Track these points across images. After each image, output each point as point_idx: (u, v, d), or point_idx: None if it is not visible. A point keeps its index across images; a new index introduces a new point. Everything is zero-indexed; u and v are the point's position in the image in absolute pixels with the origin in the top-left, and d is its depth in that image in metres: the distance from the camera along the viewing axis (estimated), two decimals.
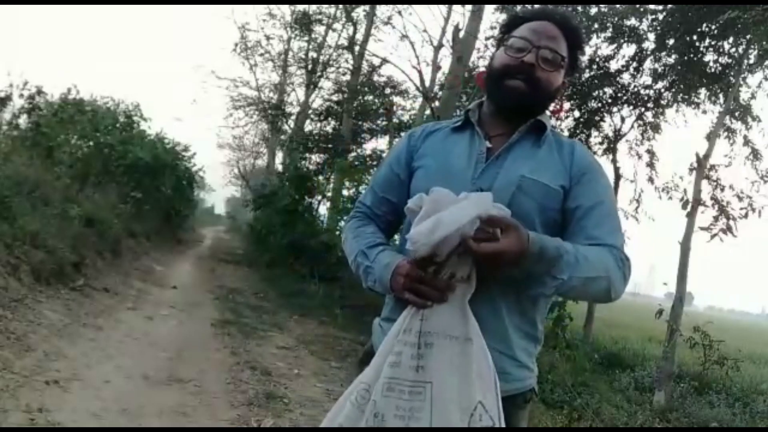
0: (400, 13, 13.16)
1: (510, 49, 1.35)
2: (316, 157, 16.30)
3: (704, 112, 9.44)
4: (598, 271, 1.20)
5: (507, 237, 1.12)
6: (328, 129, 16.69)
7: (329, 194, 14.16)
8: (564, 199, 1.29)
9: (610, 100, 10.32)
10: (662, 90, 9.73)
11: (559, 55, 1.34)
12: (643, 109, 10.24)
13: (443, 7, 12.54)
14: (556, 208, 1.29)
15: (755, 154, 8.66)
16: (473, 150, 1.34)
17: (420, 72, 12.77)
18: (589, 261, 1.19)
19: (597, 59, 10.12)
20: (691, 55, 8.51)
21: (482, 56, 12.74)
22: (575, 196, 1.29)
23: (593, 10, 10.07)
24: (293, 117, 17.26)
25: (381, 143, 16.48)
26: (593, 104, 10.51)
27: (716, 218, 7.45)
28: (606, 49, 9.98)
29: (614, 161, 10.62)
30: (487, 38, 12.30)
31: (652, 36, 9.30)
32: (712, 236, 6.93)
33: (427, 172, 1.35)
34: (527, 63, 1.31)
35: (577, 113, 10.95)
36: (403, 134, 1.54)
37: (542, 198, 1.27)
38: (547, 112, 1.41)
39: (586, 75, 10.36)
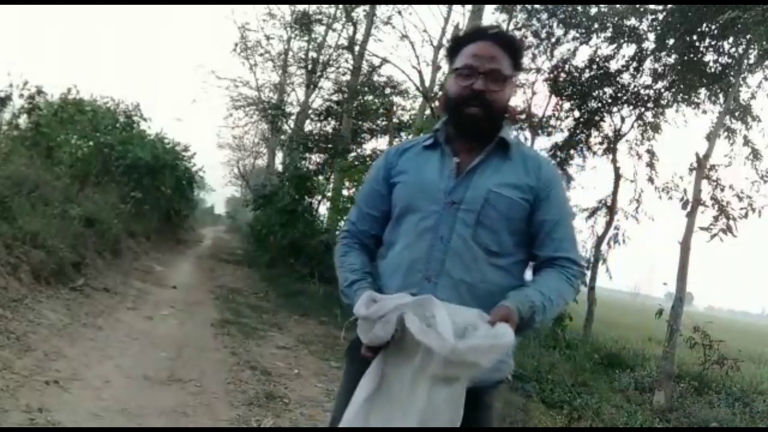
0: (400, 13, 13.17)
1: (459, 77, 1.49)
2: (316, 157, 16.29)
3: (704, 112, 9.45)
4: (559, 305, 1.46)
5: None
6: (328, 129, 16.69)
7: (329, 194, 14.17)
8: (531, 210, 1.47)
9: (610, 100, 10.32)
10: (662, 90, 9.72)
11: (504, 75, 1.48)
12: (643, 109, 10.24)
13: (443, 7, 12.56)
14: (521, 217, 1.47)
15: (755, 154, 8.67)
16: (444, 166, 1.50)
17: (420, 72, 12.78)
18: (553, 302, 1.42)
19: (597, 59, 10.12)
20: (691, 55, 8.51)
21: None
22: (544, 211, 1.48)
23: (593, 10, 10.07)
24: (293, 117, 17.26)
25: (381, 143, 16.48)
26: (593, 104, 10.51)
27: (716, 218, 7.46)
28: (606, 49, 9.98)
29: (614, 161, 10.61)
30: None
31: (652, 36, 9.29)
32: (712, 236, 6.93)
33: (405, 187, 1.52)
34: (477, 90, 1.45)
35: (577, 113, 10.96)
36: (380, 152, 1.73)
37: (507, 210, 1.44)
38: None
39: (586, 75, 10.37)
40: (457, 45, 1.54)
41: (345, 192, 12.69)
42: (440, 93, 12.03)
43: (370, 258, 1.62)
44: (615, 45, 9.76)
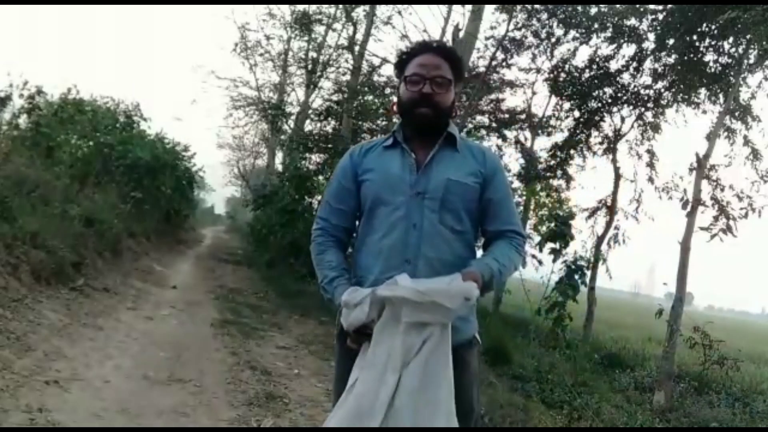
0: (400, 13, 13.15)
1: (409, 84, 1.74)
2: (316, 157, 16.27)
3: (704, 112, 9.45)
4: (510, 270, 1.75)
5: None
6: (328, 129, 16.67)
7: None
8: (480, 192, 1.75)
9: (610, 100, 10.32)
10: (662, 90, 9.72)
11: (447, 79, 1.73)
12: (643, 109, 10.23)
13: (443, 7, 12.52)
14: (475, 199, 1.75)
15: (755, 154, 8.66)
16: (405, 162, 1.74)
17: None
18: (505, 266, 1.70)
19: (597, 59, 10.12)
20: (691, 55, 8.51)
21: (482, 56, 12.80)
22: (490, 192, 1.76)
23: (593, 10, 10.07)
24: (293, 117, 17.23)
25: None
26: (593, 104, 10.51)
27: (716, 218, 7.46)
28: (606, 49, 9.99)
29: (614, 161, 10.62)
30: (487, 38, 12.35)
31: (652, 36, 9.30)
32: (712, 236, 6.92)
33: (374, 183, 1.75)
34: (425, 93, 1.70)
35: (577, 113, 10.96)
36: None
37: (464, 194, 1.72)
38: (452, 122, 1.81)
39: (586, 75, 10.37)
40: (405, 58, 1.79)
41: None
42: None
43: (344, 252, 1.83)
44: (615, 45, 9.76)
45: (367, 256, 1.74)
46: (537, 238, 8.08)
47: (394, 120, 14.55)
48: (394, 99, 1.86)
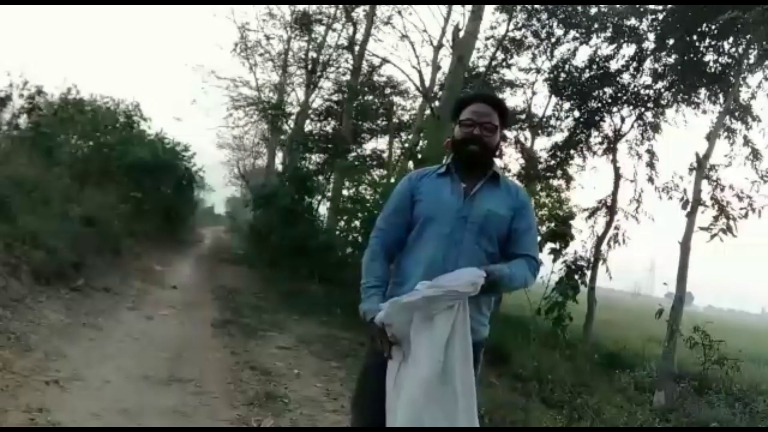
0: (400, 13, 13.17)
1: (463, 126, 2.10)
2: (316, 157, 16.28)
3: (704, 112, 9.45)
4: (520, 281, 2.07)
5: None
6: (328, 129, 16.70)
7: (329, 194, 14.15)
8: (510, 222, 2.08)
9: (610, 100, 10.31)
10: (662, 90, 9.72)
11: (494, 125, 2.10)
12: (643, 109, 10.23)
13: (443, 7, 12.55)
14: (506, 229, 2.09)
15: (755, 154, 8.67)
16: (455, 189, 2.09)
17: (420, 72, 12.76)
18: (516, 276, 2.03)
19: (597, 59, 10.12)
20: (691, 55, 8.51)
21: (482, 56, 12.81)
22: (517, 222, 2.10)
23: (593, 10, 10.07)
24: (293, 117, 17.23)
25: (381, 143, 16.49)
26: (593, 104, 10.50)
27: (716, 218, 7.46)
28: (606, 49, 9.99)
29: (614, 161, 10.61)
30: (487, 38, 12.36)
31: (652, 36, 9.30)
32: (712, 236, 6.93)
33: (427, 204, 2.09)
34: (476, 135, 2.06)
35: (577, 113, 10.95)
36: (403, 177, 2.29)
37: (499, 223, 2.07)
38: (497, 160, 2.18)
39: (586, 75, 10.37)
40: (462, 104, 2.15)
41: (345, 192, 12.67)
42: (439, 93, 12.01)
43: (389, 262, 2.15)
44: (615, 45, 9.76)
45: (410, 263, 2.07)
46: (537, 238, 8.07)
47: (394, 120, 14.60)
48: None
